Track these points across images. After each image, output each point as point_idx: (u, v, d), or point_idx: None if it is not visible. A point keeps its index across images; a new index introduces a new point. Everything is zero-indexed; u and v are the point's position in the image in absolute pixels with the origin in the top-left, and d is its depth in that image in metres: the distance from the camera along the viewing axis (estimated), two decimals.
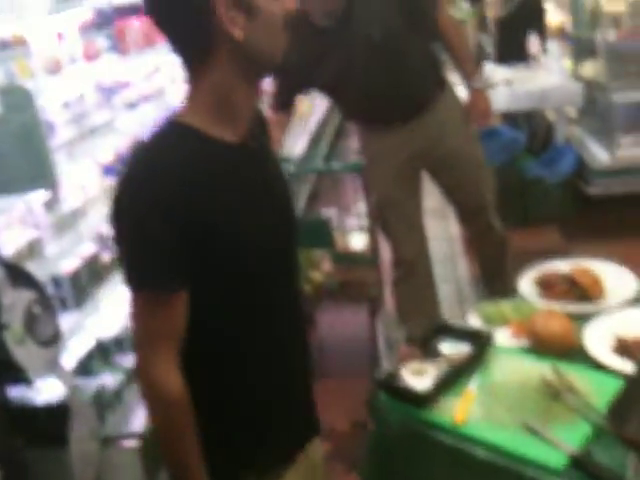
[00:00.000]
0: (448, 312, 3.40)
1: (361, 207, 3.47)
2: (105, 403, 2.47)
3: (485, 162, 3.09)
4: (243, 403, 1.35)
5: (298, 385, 1.46)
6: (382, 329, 3.36)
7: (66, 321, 2.41)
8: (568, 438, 1.44)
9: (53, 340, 2.09)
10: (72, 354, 2.52)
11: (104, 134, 2.97)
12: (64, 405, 2.14)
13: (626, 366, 1.61)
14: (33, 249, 2.41)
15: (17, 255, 2.31)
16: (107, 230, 2.89)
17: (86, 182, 2.84)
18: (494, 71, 4.74)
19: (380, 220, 3.11)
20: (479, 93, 3.01)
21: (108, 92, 3.13)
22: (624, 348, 1.68)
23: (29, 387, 2.15)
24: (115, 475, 2.40)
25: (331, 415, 2.50)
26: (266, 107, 2.89)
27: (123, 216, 1.21)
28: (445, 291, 3.74)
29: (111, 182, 2.98)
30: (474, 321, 1.87)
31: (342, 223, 3.44)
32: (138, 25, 3.47)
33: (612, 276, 1.97)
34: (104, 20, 3.26)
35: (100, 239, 2.83)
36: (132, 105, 3.32)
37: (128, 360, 2.73)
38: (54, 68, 2.74)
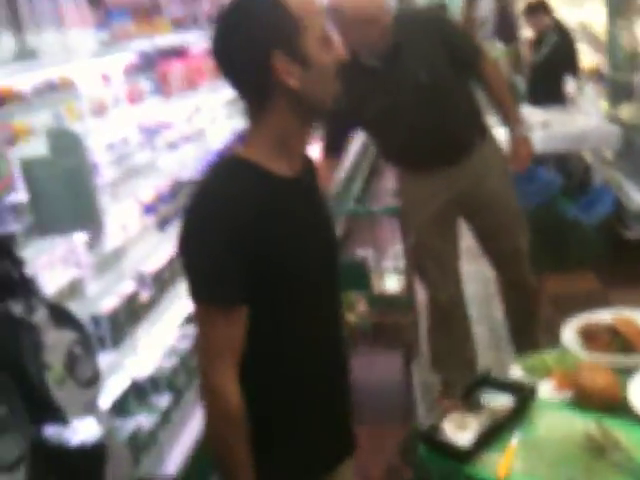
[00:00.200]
0: (483, 355, 3.36)
1: (397, 248, 3.46)
2: (140, 444, 2.46)
3: (520, 210, 3.08)
4: (283, 420, 1.46)
5: (337, 407, 1.56)
6: (418, 374, 3.33)
7: (104, 360, 2.42)
8: None
9: (93, 381, 2.09)
10: (108, 394, 2.52)
11: (145, 174, 3.01)
12: (100, 446, 2.14)
13: None
14: (74, 288, 2.43)
15: (59, 294, 2.33)
16: (147, 268, 2.92)
17: (127, 221, 2.88)
18: (530, 113, 4.74)
19: (416, 264, 3.10)
20: (522, 140, 3.02)
21: (150, 133, 3.19)
22: None
23: (65, 426, 2.15)
24: None
25: (365, 461, 2.47)
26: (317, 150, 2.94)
27: (192, 239, 1.37)
28: (480, 333, 3.69)
29: (151, 221, 3.03)
30: (516, 372, 1.84)
31: (378, 264, 3.43)
32: (180, 68, 3.55)
33: None
34: (148, 63, 3.34)
35: (139, 278, 2.86)
36: (173, 145, 3.37)
37: (163, 400, 2.73)
38: (100, 110, 2.81)
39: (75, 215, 2.20)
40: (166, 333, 3.09)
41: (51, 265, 2.44)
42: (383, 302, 3.22)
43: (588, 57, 5.79)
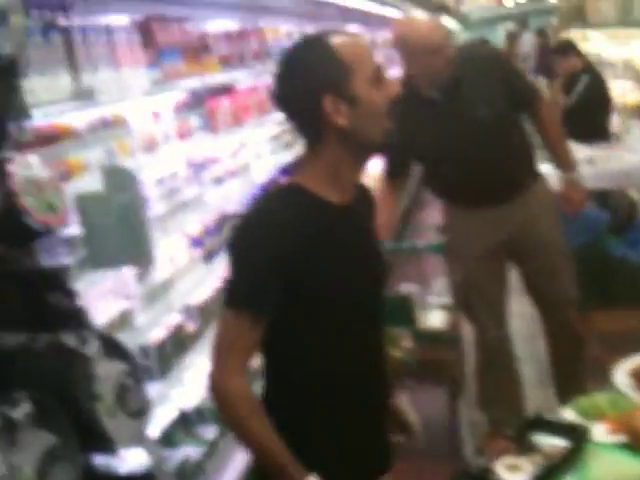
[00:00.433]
0: (530, 394, 3.30)
1: (442, 284, 3.44)
2: (188, 475, 2.47)
3: (569, 253, 3.04)
4: (319, 433, 1.54)
5: (372, 424, 1.62)
6: (464, 411, 3.28)
7: (151, 391, 2.45)
8: None
9: (142, 412, 2.12)
10: (156, 424, 2.54)
11: (193, 208, 3.07)
12: (149, 476, 2.15)
13: None
14: (124, 320, 2.47)
15: (109, 326, 2.38)
16: (193, 300, 2.96)
17: (175, 254, 2.93)
18: (574, 149, 4.70)
19: (463, 302, 3.08)
20: (575, 185, 3.00)
21: (198, 168, 3.25)
22: None
23: (114, 455, 2.17)
24: None
25: None
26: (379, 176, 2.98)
27: (237, 249, 1.50)
28: (526, 372, 3.63)
29: (198, 253, 3.07)
30: (569, 415, 1.81)
31: (422, 300, 3.41)
32: (227, 104, 3.62)
33: None
34: (196, 100, 3.41)
35: (186, 309, 2.90)
36: (219, 180, 3.43)
37: (210, 432, 2.74)
38: (150, 146, 2.88)
39: (127, 249, 2.24)
40: None
41: (102, 297, 2.48)
42: (428, 338, 3.19)
43: (630, 94, 5.75)
